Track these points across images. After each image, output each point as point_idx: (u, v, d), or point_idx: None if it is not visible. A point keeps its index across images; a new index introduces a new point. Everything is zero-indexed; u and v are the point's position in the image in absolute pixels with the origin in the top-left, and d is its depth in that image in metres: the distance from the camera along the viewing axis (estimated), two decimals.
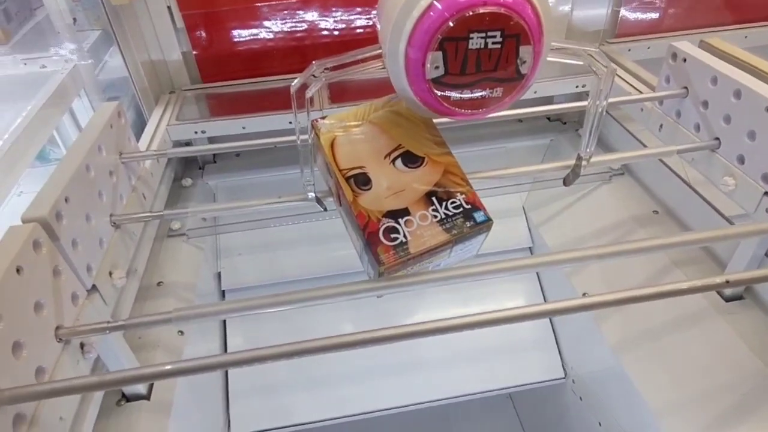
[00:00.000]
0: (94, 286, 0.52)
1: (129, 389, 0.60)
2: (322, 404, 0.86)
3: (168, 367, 0.37)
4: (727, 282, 0.41)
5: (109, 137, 0.60)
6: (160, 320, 0.45)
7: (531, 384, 0.89)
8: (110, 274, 0.56)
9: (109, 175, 0.59)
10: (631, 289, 0.42)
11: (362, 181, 0.45)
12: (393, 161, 0.46)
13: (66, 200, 0.49)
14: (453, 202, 0.44)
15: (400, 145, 0.47)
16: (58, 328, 0.45)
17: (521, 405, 1.15)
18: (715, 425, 0.56)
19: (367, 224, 0.43)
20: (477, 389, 0.88)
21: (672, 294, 0.42)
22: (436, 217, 0.43)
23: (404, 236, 0.42)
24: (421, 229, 0.43)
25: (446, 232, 0.43)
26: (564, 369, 0.88)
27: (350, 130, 0.48)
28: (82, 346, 0.48)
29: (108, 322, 0.45)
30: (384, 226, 0.43)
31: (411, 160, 0.46)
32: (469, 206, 0.44)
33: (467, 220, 0.44)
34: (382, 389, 0.88)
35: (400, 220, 0.43)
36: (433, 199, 0.44)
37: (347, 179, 0.45)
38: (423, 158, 0.46)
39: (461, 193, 0.45)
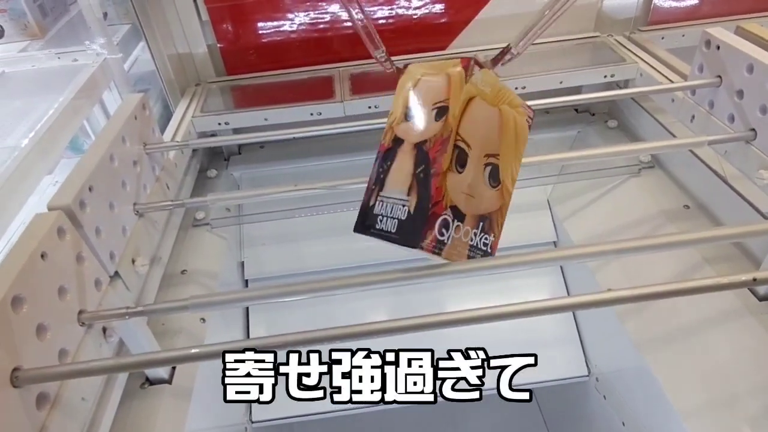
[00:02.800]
0: (116, 273, 0.54)
1: (152, 373, 0.62)
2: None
3: (174, 353, 0.38)
4: (755, 280, 0.39)
5: (133, 128, 0.62)
6: (177, 307, 0.46)
7: (554, 381, 0.88)
8: (133, 261, 0.57)
9: (133, 165, 0.61)
10: (653, 285, 0.41)
11: (461, 161, 0.43)
12: (486, 166, 0.44)
13: (90, 189, 0.51)
14: (484, 239, 0.44)
15: (499, 154, 0.45)
16: (81, 312, 0.46)
17: (544, 402, 1.13)
18: (744, 431, 0.54)
19: (438, 204, 0.41)
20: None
21: (695, 291, 0.40)
22: (472, 240, 0.43)
23: (448, 239, 0.42)
24: (460, 243, 0.43)
25: (466, 257, 0.43)
26: (588, 367, 0.86)
27: (485, 104, 0.44)
28: (104, 330, 0.50)
29: (127, 307, 0.47)
30: (443, 217, 0.41)
31: (494, 177, 0.44)
32: (489, 251, 0.45)
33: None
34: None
35: (455, 221, 0.42)
36: (481, 224, 0.44)
37: (454, 147, 0.42)
38: (500, 183, 0.45)
39: (494, 236, 0.45)
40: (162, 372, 0.62)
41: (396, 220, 0.41)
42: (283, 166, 0.99)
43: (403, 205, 0.41)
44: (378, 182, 0.44)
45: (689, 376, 0.61)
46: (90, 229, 0.50)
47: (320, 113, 0.85)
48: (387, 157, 0.44)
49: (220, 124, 0.86)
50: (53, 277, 0.43)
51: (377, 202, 0.43)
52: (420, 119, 0.44)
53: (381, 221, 0.42)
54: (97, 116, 0.99)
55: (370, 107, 0.86)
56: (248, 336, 0.90)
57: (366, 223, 0.43)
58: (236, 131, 0.92)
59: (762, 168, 0.59)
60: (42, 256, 0.43)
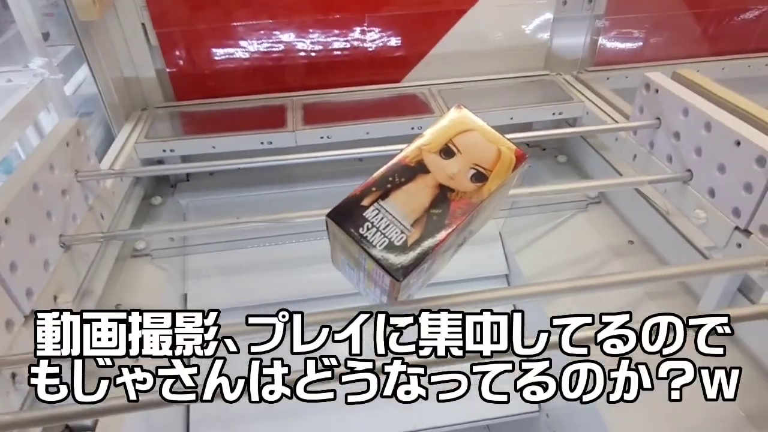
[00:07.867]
0: (33, 312, 0.49)
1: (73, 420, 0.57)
2: (290, 427, 0.83)
3: (88, 405, 0.35)
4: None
5: (64, 155, 0.58)
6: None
7: (506, 417, 0.86)
8: (55, 298, 0.53)
9: (62, 194, 0.57)
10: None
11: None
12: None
13: (6, 221, 0.47)
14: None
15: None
16: None
17: None
18: None
19: (434, 250, 0.39)
20: (454, 421, 0.85)
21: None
22: None
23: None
24: None
25: None
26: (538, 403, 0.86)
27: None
28: (13, 376, 0.45)
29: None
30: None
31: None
32: None
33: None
34: (356, 420, 0.85)
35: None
36: None
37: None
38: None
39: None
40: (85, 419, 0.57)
41: (386, 240, 0.38)
42: (232, 194, 0.96)
43: (402, 232, 0.39)
44: (382, 188, 0.41)
45: (634, 415, 0.60)
46: (3, 264, 0.46)
47: (271, 142, 0.83)
48: (404, 173, 0.42)
49: (165, 150, 0.83)
50: None
51: (372, 207, 0.40)
52: (458, 168, 0.43)
53: (367, 228, 0.39)
54: (34, 143, 0.93)
55: (322, 137, 0.85)
56: None
57: (348, 218, 0.39)
58: (184, 159, 0.89)
59: (698, 207, 0.61)
60: None
